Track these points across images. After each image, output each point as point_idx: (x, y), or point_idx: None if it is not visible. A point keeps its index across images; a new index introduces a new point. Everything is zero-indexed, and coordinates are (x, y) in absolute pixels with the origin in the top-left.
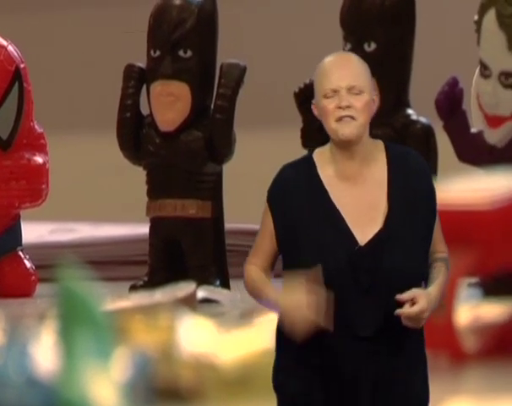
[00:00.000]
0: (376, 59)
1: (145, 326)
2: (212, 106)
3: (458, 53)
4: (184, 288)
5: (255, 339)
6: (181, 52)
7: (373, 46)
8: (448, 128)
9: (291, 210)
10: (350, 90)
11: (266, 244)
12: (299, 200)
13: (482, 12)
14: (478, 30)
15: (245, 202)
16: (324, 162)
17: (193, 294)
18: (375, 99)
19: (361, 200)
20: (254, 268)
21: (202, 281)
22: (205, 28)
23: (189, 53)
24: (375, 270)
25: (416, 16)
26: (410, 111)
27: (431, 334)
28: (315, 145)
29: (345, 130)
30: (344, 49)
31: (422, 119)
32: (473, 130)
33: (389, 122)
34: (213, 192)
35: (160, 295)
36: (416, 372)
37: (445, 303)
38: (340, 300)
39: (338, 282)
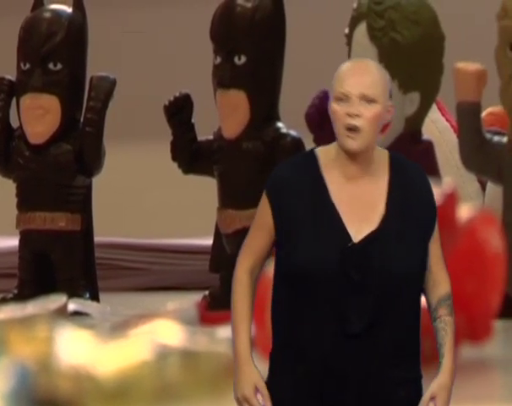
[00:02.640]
0: (246, 73)
1: (23, 337)
2: (82, 119)
3: (328, 67)
4: (55, 301)
5: (133, 351)
6: (51, 65)
7: (243, 59)
8: (318, 142)
9: (288, 203)
10: (362, 97)
11: (261, 238)
12: (298, 194)
13: (353, 25)
14: (349, 44)
15: (114, 215)
16: (328, 161)
17: (64, 307)
18: (390, 109)
19: (359, 200)
20: (243, 281)
21: (71, 293)
22: (75, 41)
23: (59, 66)
24: (366, 268)
25: (286, 30)
26: (280, 124)
27: None
28: (185, 158)
29: (352, 145)
30: (214, 63)
31: (292, 133)
32: None
33: (259, 135)
34: (82, 205)
35: (31, 308)
36: (408, 371)
37: None
38: (331, 296)
39: (329, 277)
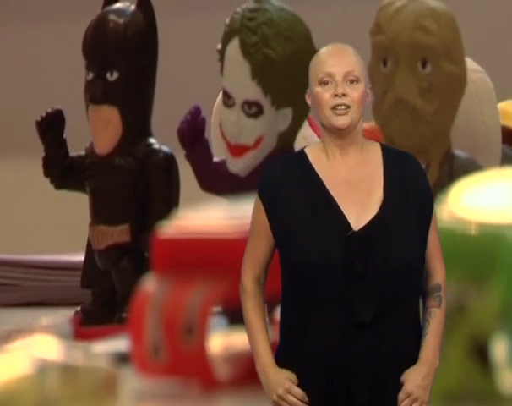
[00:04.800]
0: (118, 88)
1: None
2: None
3: (200, 83)
4: None
5: (12, 365)
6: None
7: (116, 75)
8: (190, 158)
9: (282, 198)
10: (346, 77)
11: (260, 244)
12: (291, 188)
13: (226, 41)
14: (222, 59)
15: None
16: (317, 152)
17: None
18: (369, 92)
19: (355, 187)
20: (252, 292)
21: None
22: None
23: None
24: (369, 255)
25: (158, 46)
26: (152, 140)
27: (183, 362)
28: (57, 174)
29: (339, 121)
30: (86, 78)
31: (164, 148)
32: (216, 159)
33: (131, 151)
34: None
35: None
36: (413, 358)
37: (197, 330)
38: (336, 286)
39: (333, 266)
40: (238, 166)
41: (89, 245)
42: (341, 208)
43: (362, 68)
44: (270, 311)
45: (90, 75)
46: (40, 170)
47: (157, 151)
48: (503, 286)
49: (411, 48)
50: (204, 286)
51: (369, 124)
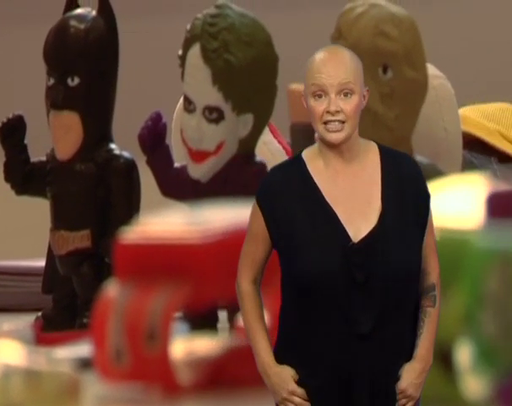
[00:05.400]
0: (79, 94)
1: None
2: None
3: (161, 88)
4: None
5: None
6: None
7: (77, 80)
8: (151, 163)
9: (281, 209)
10: (339, 89)
11: (257, 249)
12: (290, 199)
13: (187, 46)
14: (183, 65)
15: None
16: (314, 159)
17: None
18: (366, 94)
19: (353, 196)
20: (249, 292)
21: None
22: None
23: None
24: (370, 266)
25: (119, 51)
26: (112, 145)
27: (145, 367)
28: (18, 179)
29: (333, 137)
30: (47, 84)
31: (125, 154)
32: (176, 165)
33: (92, 157)
34: None
35: None
36: None
37: (160, 336)
38: (336, 297)
39: (332, 278)
40: (199, 171)
41: (49, 251)
42: (340, 219)
43: (357, 76)
44: (231, 317)
45: (51, 81)
46: (1, 175)
47: (118, 157)
48: (466, 292)
49: (371, 54)
50: (166, 291)
51: None
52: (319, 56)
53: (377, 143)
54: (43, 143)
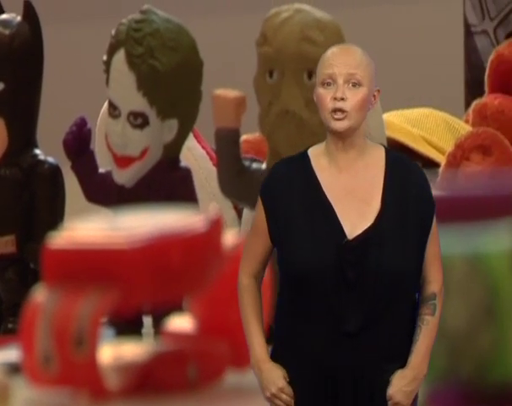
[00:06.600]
0: (4, 100)
1: None
2: None
3: (86, 94)
4: None
5: None
6: None
7: (2, 86)
8: (76, 169)
9: (281, 203)
10: (347, 79)
11: (259, 242)
12: (291, 193)
13: (111, 52)
14: (107, 70)
15: None
16: (319, 155)
17: None
18: (376, 95)
19: (353, 194)
20: (248, 286)
21: None
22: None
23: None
24: (361, 264)
25: (44, 57)
26: (37, 151)
27: (72, 372)
28: None
29: (337, 125)
30: None
31: (50, 159)
32: (101, 170)
33: (17, 162)
34: None
35: None
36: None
37: (88, 341)
38: (327, 294)
39: (324, 274)
40: (124, 177)
41: None
42: (338, 215)
43: (367, 72)
44: (157, 322)
45: None
46: None
47: (43, 162)
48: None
49: (296, 59)
50: (94, 296)
51: (251, 136)
52: (332, 50)
53: (384, 147)
54: None
